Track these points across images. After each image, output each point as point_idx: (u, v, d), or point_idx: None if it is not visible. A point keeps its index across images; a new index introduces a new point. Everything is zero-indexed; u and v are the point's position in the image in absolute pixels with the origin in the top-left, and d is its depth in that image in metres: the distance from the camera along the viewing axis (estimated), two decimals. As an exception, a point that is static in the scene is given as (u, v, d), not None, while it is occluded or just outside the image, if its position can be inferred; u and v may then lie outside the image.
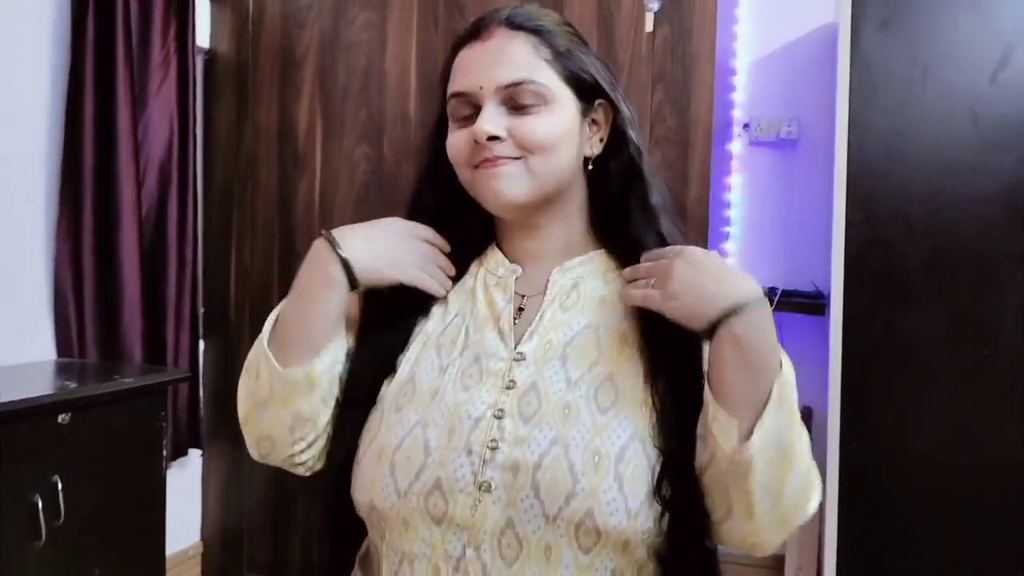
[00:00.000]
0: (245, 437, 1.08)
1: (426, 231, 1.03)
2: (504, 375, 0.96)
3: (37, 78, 2.26)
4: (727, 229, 2.87)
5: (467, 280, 1.06)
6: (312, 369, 0.97)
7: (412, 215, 1.06)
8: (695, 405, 0.91)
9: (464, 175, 1.00)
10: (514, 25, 0.98)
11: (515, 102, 0.96)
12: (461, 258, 1.06)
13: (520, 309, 1.01)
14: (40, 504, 1.76)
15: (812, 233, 2.75)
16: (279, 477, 2.75)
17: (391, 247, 1.00)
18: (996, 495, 2.05)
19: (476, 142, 0.95)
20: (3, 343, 2.17)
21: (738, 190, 2.89)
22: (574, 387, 0.94)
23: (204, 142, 2.77)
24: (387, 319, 1.02)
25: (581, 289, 1.02)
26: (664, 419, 0.92)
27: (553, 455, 0.89)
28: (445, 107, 1.02)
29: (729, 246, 2.88)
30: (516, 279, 1.03)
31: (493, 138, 0.95)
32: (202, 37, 2.70)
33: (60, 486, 1.80)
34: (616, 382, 0.94)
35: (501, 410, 0.93)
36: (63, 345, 2.30)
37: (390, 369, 1.01)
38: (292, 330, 0.99)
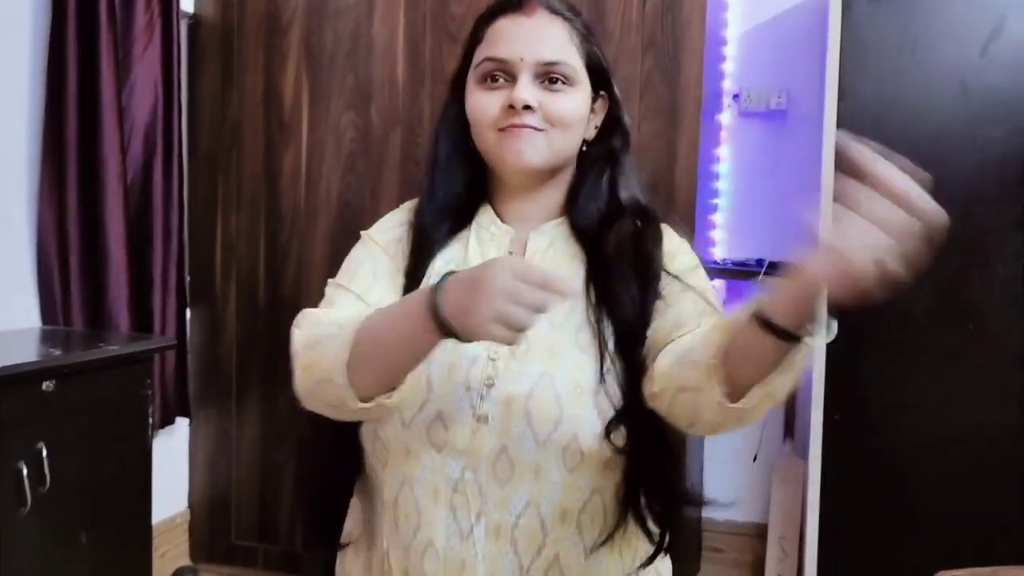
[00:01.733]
0: (300, 385, 1.11)
1: (536, 275, 0.87)
2: None
3: (17, 42, 2.22)
4: (715, 201, 2.86)
5: (462, 233, 1.14)
6: (387, 402, 0.98)
7: (431, 167, 1.15)
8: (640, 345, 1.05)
9: (487, 135, 1.08)
10: (553, 9, 1.10)
11: (548, 78, 1.07)
12: (455, 209, 1.14)
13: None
14: (25, 471, 1.75)
15: (800, 204, 2.76)
16: (267, 445, 2.76)
17: (493, 310, 0.85)
18: (982, 469, 2.07)
19: (510, 107, 1.04)
20: (-13, 310, 2.16)
21: (727, 161, 2.89)
22: (558, 329, 1.06)
23: (189, 109, 2.74)
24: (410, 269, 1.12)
25: (556, 247, 1.13)
26: (617, 359, 1.05)
27: (542, 387, 1.02)
28: (467, 64, 1.12)
29: (717, 217, 2.88)
30: (508, 235, 1.14)
31: (527, 107, 1.04)
32: (186, 2, 2.66)
33: (45, 453, 1.79)
34: (589, 327, 1.06)
35: (496, 351, 1.04)
36: (48, 313, 2.28)
37: None
38: (376, 365, 0.97)
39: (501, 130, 1.06)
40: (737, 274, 2.74)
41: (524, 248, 1.12)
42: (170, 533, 2.76)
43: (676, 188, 2.38)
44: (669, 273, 1.11)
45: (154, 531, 2.24)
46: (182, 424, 2.80)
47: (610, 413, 1.03)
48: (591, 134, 1.15)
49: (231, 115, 2.72)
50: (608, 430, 1.03)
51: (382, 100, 2.58)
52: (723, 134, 2.87)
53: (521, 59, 1.06)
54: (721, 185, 2.88)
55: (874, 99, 2.11)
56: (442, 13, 2.51)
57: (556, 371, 1.03)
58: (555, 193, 1.14)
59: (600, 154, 1.15)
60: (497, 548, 1.03)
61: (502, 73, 1.07)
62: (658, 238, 1.14)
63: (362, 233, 1.22)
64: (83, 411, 1.92)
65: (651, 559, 1.14)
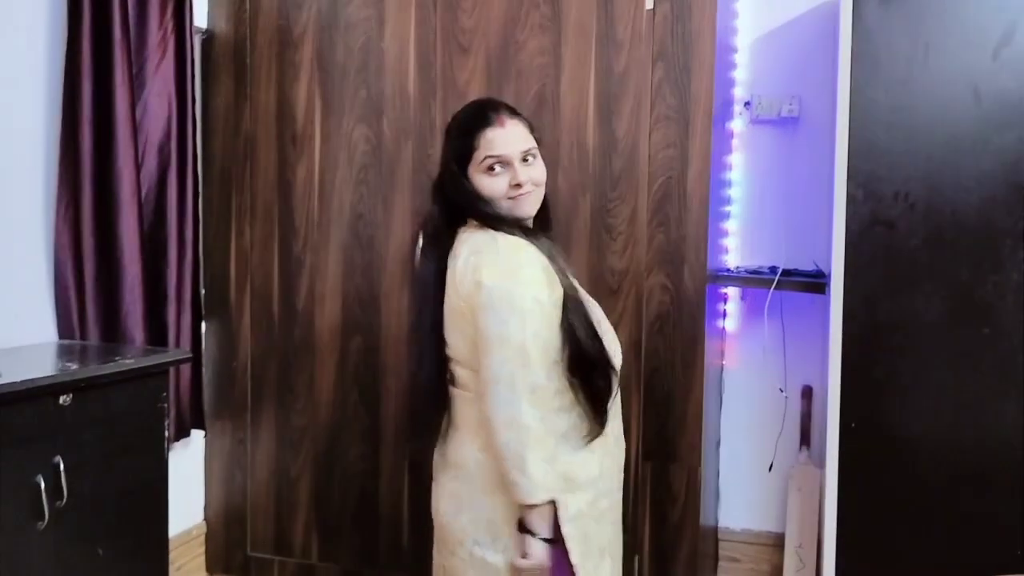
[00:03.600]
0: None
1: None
2: None
3: (34, 59, 2.25)
4: (728, 208, 2.86)
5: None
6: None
7: (490, 221, 1.65)
8: None
9: (502, 203, 1.65)
10: (513, 114, 1.71)
11: (524, 158, 1.67)
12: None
13: None
14: (43, 485, 1.76)
15: (813, 212, 2.75)
16: (282, 457, 2.77)
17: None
18: (996, 474, 2.06)
19: (516, 185, 1.64)
20: (4, 326, 2.17)
21: (739, 169, 2.88)
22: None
23: (203, 123, 2.76)
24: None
25: (553, 253, 1.67)
26: None
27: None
28: (465, 159, 1.67)
29: (730, 225, 2.87)
30: None
31: (524, 181, 1.65)
32: (200, 17, 2.69)
33: (62, 467, 1.80)
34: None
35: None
36: (64, 327, 2.30)
37: None
38: None
39: (511, 198, 1.65)
40: (750, 282, 2.73)
41: None
42: (186, 546, 2.77)
43: (688, 196, 2.38)
44: None
45: (170, 544, 2.24)
46: (198, 437, 2.81)
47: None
48: None
49: (244, 129, 2.74)
50: None
51: (393, 113, 2.60)
52: (735, 142, 2.87)
53: (511, 153, 1.65)
54: (733, 193, 2.88)
55: (886, 105, 2.10)
56: (452, 26, 2.53)
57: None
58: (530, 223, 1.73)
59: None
60: None
61: (499, 163, 1.65)
62: None
63: (525, 298, 1.59)
64: (99, 425, 1.93)
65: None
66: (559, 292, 1.60)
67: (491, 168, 1.64)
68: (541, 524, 1.55)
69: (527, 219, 1.68)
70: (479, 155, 1.64)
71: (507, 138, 1.64)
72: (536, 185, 1.67)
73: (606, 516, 1.69)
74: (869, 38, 2.10)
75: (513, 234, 1.62)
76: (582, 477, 1.61)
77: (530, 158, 1.66)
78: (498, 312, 1.53)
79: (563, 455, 1.58)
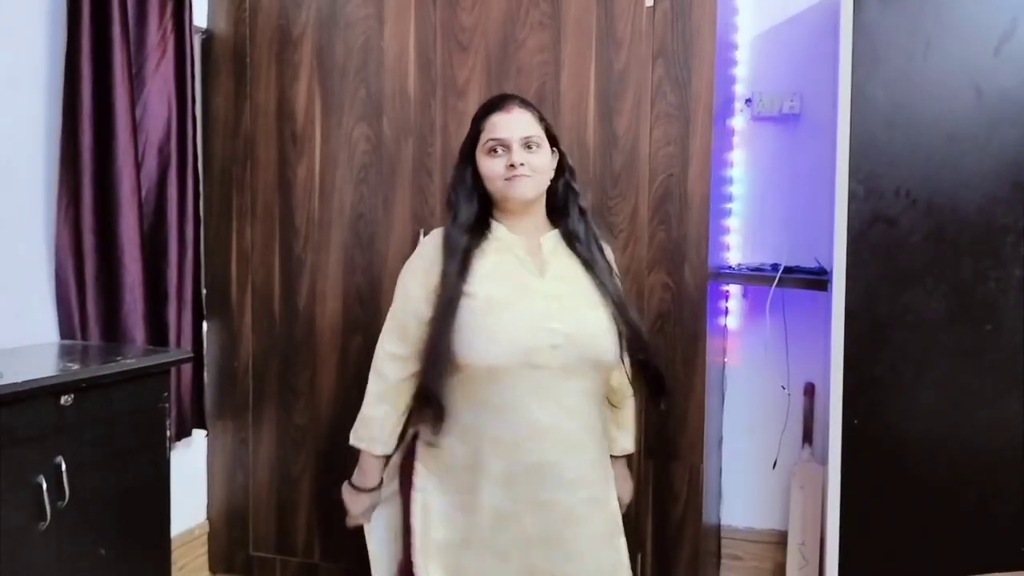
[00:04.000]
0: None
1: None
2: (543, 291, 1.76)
3: (34, 59, 2.25)
4: (729, 205, 2.86)
5: (494, 247, 1.78)
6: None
7: (450, 203, 1.82)
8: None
9: (497, 184, 1.75)
10: (522, 104, 1.80)
11: (527, 145, 1.75)
12: (470, 226, 1.78)
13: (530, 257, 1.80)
14: (44, 485, 1.77)
15: (814, 209, 2.75)
16: (284, 457, 2.77)
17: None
18: (998, 471, 2.05)
19: (511, 166, 1.72)
20: (5, 326, 2.17)
21: (740, 166, 2.88)
22: (580, 296, 1.78)
23: (203, 123, 2.76)
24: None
25: (559, 247, 1.83)
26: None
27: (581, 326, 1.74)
28: (473, 141, 1.79)
29: (731, 222, 2.87)
30: (525, 242, 1.80)
31: (521, 164, 1.72)
32: (199, 17, 2.68)
33: (64, 467, 1.81)
34: (589, 292, 1.78)
35: (550, 311, 1.73)
36: (65, 328, 2.30)
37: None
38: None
39: (507, 179, 1.74)
40: (752, 279, 2.73)
41: (540, 248, 1.80)
42: (188, 545, 2.77)
43: (689, 194, 2.37)
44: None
45: (172, 543, 2.24)
46: (199, 436, 2.81)
47: (616, 339, 1.75)
48: (552, 174, 1.82)
49: (244, 128, 2.74)
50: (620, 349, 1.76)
51: (393, 112, 2.60)
52: (736, 139, 2.87)
53: (511, 137, 1.74)
54: (734, 190, 2.88)
55: (887, 102, 2.10)
56: (452, 24, 2.52)
57: (585, 317, 1.74)
58: (539, 211, 1.83)
59: (561, 186, 1.84)
60: None
61: (501, 146, 1.74)
62: (600, 239, 1.86)
63: (402, 281, 1.86)
64: (101, 425, 1.93)
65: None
66: (433, 285, 1.74)
67: (492, 150, 1.74)
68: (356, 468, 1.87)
69: (520, 201, 1.76)
70: (484, 137, 1.76)
71: (509, 123, 1.74)
72: (534, 171, 1.74)
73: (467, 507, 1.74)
74: (870, 35, 2.10)
75: (447, 226, 1.80)
76: (440, 460, 1.76)
77: (533, 146, 1.74)
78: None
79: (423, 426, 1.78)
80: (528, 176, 1.73)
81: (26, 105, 2.24)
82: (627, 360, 1.79)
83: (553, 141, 1.81)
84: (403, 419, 1.84)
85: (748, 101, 2.84)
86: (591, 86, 2.44)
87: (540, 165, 1.75)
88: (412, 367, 1.77)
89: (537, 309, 1.69)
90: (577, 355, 1.68)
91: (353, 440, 1.85)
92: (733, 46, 2.81)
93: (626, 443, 1.97)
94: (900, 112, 2.09)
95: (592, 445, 1.75)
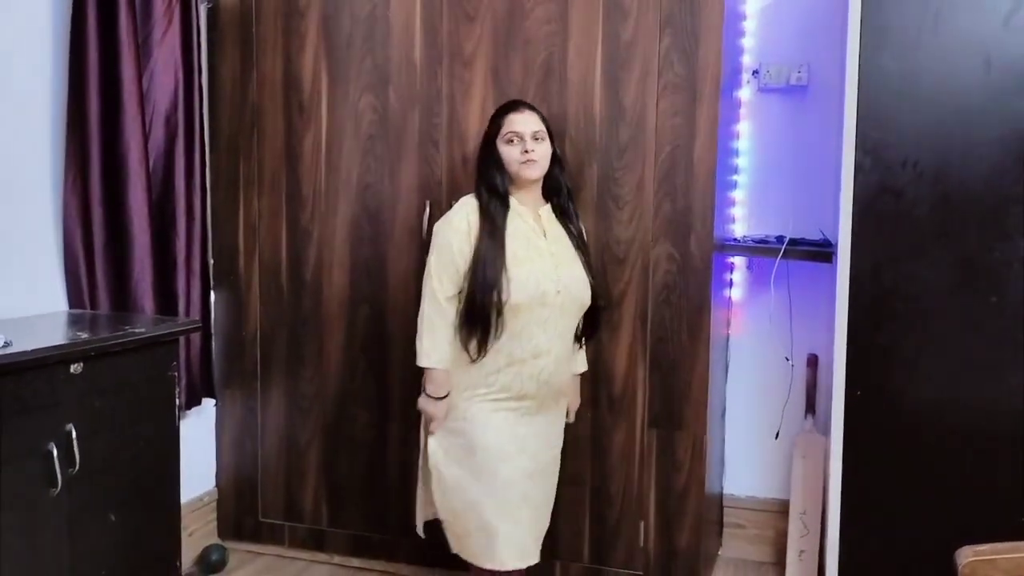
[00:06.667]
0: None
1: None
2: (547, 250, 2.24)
3: (40, 29, 2.25)
4: (735, 177, 2.85)
5: (512, 215, 2.20)
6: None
7: (481, 185, 2.21)
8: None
9: (514, 167, 2.17)
10: (531, 109, 2.23)
11: (535, 138, 2.17)
12: (501, 193, 2.20)
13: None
14: (55, 453, 1.80)
15: (820, 181, 2.74)
16: (292, 424, 2.80)
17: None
18: (1000, 442, 2.06)
19: (525, 151, 2.16)
20: (15, 296, 2.19)
21: (746, 138, 2.87)
22: (569, 255, 2.27)
23: (209, 93, 2.76)
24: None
25: (552, 218, 2.27)
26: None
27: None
28: (494, 134, 2.20)
29: (737, 194, 2.87)
30: (533, 213, 2.25)
31: (533, 151, 2.16)
32: (205, -14, 2.68)
33: (74, 435, 1.83)
34: (573, 252, 2.26)
35: (556, 266, 2.22)
36: (74, 297, 2.32)
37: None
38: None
39: (522, 162, 2.16)
40: (757, 251, 2.73)
41: (540, 217, 2.25)
42: (198, 512, 2.81)
43: (696, 165, 2.37)
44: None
45: (182, 510, 2.28)
46: (208, 405, 2.84)
47: (590, 288, 2.26)
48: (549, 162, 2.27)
49: (251, 99, 2.74)
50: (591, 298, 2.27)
51: (400, 81, 2.59)
52: (743, 110, 2.86)
53: (524, 131, 2.16)
54: (741, 162, 2.87)
55: (896, 73, 2.09)
56: (459, -7, 2.51)
57: (575, 272, 2.24)
58: (539, 189, 2.26)
59: (555, 171, 2.26)
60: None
61: (516, 137, 2.17)
62: (577, 210, 2.34)
63: (441, 235, 2.21)
64: (111, 393, 1.95)
65: (585, 341, 2.38)
66: (473, 241, 2.15)
67: (510, 140, 2.17)
68: (427, 383, 2.19)
69: (529, 180, 2.19)
70: (504, 131, 2.19)
71: (524, 120, 2.18)
72: (540, 158, 2.19)
73: (503, 411, 2.19)
74: (879, 5, 2.08)
75: (483, 196, 2.21)
76: (465, 379, 2.19)
77: (539, 138, 2.18)
78: (433, 240, 2.21)
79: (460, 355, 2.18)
80: (536, 161, 2.17)
81: (33, 76, 2.24)
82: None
83: (551, 137, 2.23)
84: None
85: (755, 72, 2.82)
86: (598, 56, 2.43)
87: (544, 153, 2.19)
88: (456, 303, 2.16)
89: (546, 264, 2.18)
90: (571, 299, 2.20)
91: (426, 363, 2.17)
92: (741, 16, 2.79)
93: (582, 365, 2.42)
94: (908, 83, 2.08)
95: (568, 363, 2.29)
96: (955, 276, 2.07)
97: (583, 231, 2.34)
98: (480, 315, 2.12)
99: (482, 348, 2.14)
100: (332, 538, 2.80)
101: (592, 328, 2.34)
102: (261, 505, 2.87)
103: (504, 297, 2.12)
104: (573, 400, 2.43)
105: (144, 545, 2.09)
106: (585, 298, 2.24)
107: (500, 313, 2.12)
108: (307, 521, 2.83)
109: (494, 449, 2.16)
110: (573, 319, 2.25)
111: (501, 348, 2.15)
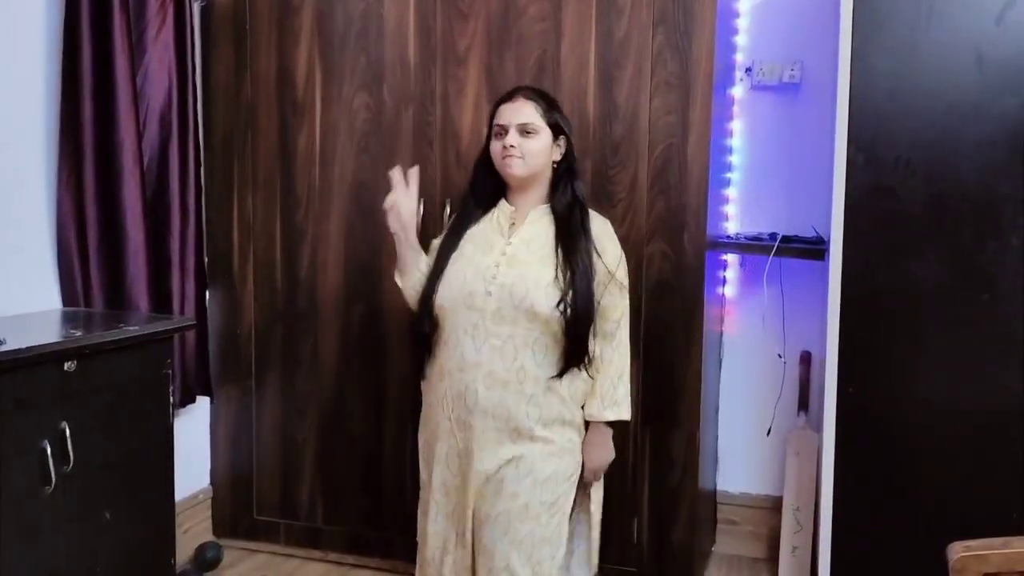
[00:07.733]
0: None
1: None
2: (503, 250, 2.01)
3: (33, 27, 2.24)
4: (728, 175, 2.86)
5: (491, 214, 2.06)
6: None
7: (473, 183, 2.11)
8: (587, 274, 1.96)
9: (497, 160, 2.00)
10: (527, 96, 2.02)
11: (524, 131, 1.98)
12: (487, 203, 2.07)
13: (512, 224, 2.04)
14: (49, 450, 1.79)
15: (813, 179, 2.75)
16: (287, 422, 2.80)
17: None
18: (993, 439, 2.07)
19: (505, 147, 1.97)
20: (9, 294, 2.19)
21: (740, 135, 2.88)
22: (535, 258, 1.98)
23: (203, 91, 2.76)
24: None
25: (543, 220, 2.03)
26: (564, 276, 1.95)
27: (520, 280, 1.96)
28: (490, 126, 2.03)
29: (730, 192, 2.88)
30: (512, 212, 2.06)
31: (512, 146, 1.97)
32: (199, -16, 2.67)
33: (68, 432, 1.83)
34: (553, 258, 1.96)
35: (497, 264, 1.99)
36: (68, 295, 2.32)
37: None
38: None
39: (504, 158, 1.98)
40: (750, 248, 2.74)
41: (525, 217, 2.03)
42: (193, 510, 2.81)
43: (688, 162, 2.38)
44: (602, 259, 1.99)
45: (177, 507, 2.28)
46: (203, 403, 2.84)
47: (556, 296, 1.92)
48: (558, 157, 2.03)
49: (245, 97, 2.74)
50: (557, 304, 1.92)
51: (394, 80, 2.59)
52: (736, 108, 2.86)
53: (509, 123, 1.98)
54: (734, 159, 2.88)
55: (888, 70, 2.09)
56: (452, -9, 2.51)
57: (528, 273, 1.95)
58: (540, 190, 2.04)
59: (564, 170, 2.04)
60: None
61: (502, 131, 1.99)
62: (587, 220, 2.01)
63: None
64: (105, 391, 1.96)
65: (564, 368, 1.97)
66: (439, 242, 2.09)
67: (497, 134, 2.00)
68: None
69: (512, 177, 2.00)
70: (494, 123, 2.02)
71: (511, 111, 1.99)
72: (526, 154, 1.97)
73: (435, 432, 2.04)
74: (871, 3, 2.09)
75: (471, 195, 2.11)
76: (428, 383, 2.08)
77: (531, 132, 1.97)
78: None
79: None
80: (519, 157, 1.96)
81: (26, 73, 2.24)
82: (599, 326, 2.01)
83: (559, 131, 2.01)
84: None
85: (748, 70, 2.83)
86: (591, 54, 2.44)
87: (533, 149, 1.97)
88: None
89: (486, 262, 1.97)
90: (508, 303, 1.91)
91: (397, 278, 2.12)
92: (734, 14, 2.79)
93: (595, 410, 2.01)
94: (901, 81, 2.09)
95: (528, 389, 1.94)
96: (947, 273, 2.08)
97: (593, 247, 1.98)
98: (416, 317, 2.04)
99: (425, 352, 2.05)
100: (327, 536, 2.81)
101: (572, 354, 1.94)
102: (256, 503, 2.87)
103: (435, 299, 1.98)
104: (592, 455, 2.05)
105: (139, 543, 2.09)
106: (537, 305, 1.89)
107: (429, 315, 1.99)
108: (302, 519, 2.83)
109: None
110: (519, 329, 1.92)
111: (437, 356, 2.02)
